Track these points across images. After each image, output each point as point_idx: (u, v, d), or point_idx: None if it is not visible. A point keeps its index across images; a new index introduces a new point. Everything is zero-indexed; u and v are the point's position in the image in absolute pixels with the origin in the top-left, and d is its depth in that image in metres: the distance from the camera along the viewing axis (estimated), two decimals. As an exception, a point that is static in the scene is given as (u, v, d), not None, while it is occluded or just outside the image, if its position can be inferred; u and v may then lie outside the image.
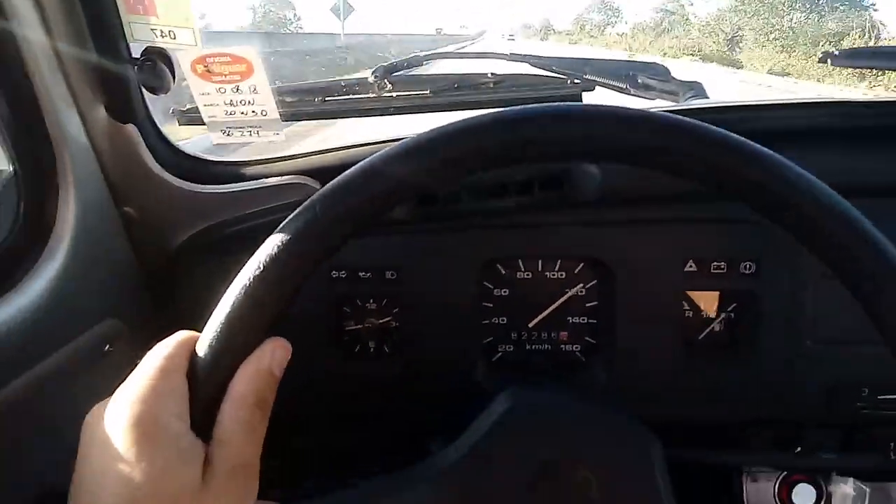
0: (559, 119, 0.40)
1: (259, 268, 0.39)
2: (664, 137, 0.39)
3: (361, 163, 0.41)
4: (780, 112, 0.70)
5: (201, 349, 0.39)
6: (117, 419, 0.36)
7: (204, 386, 0.39)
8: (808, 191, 0.39)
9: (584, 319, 0.76)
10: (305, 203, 0.40)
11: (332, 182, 0.41)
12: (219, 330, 0.39)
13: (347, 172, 0.41)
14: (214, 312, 0.39)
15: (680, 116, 0.39)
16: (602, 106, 0.40)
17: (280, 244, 0.39)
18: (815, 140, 0.69)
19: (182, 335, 0.41)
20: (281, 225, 0.40)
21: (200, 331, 0.40)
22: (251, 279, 0.39)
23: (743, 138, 0.39)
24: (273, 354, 0.40)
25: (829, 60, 0.65)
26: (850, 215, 0.38)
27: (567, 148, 0.41)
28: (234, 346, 0.39)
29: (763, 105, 0.69)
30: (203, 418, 0.38)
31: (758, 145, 0.39)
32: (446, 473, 0.53)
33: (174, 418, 0.36)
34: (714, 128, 0.39)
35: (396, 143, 0.41)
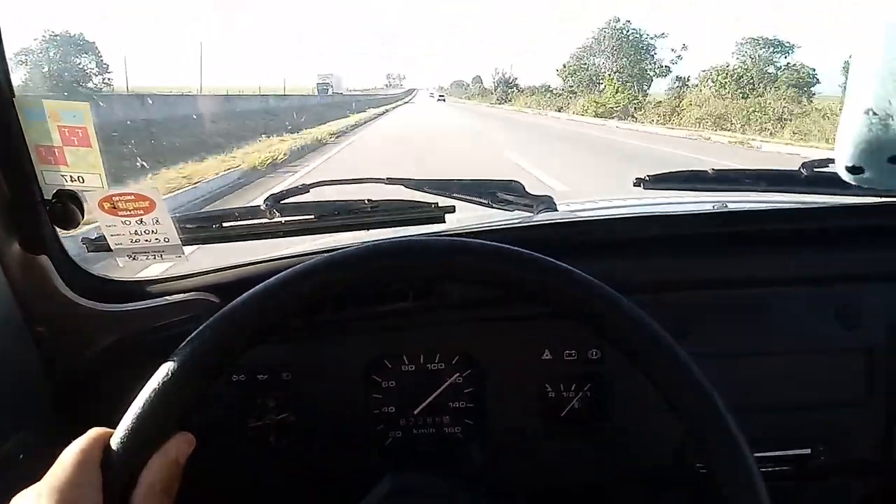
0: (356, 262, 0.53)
1: (167, 374, 0.48)
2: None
3: (245, 294, 0.52)
4: (612, 225, 0.84)
5: (115, 443, 0.47)
6: None
7: (117, 476, 0.46)
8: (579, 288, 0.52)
9: (462, 404, 0.86)
10: (205, 323, 0.50)
11: (224, 309, 0.52)
12: (131, 426, 0.47)
13: (236, 301, 0.52)
14: (128, 412, 0.48)
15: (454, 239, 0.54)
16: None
17: (185, 355, 0.49)
18: (641, 247, 0.83)
19: (96, 431, 0.48)
20: (187, 339, 0.49)
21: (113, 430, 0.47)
22: (160, 383, 0.48)
23: (506, 247, 0.53)
24: (179, 446, 0.49)
25: (641, 185, 0.80)
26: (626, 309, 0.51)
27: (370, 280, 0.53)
28: (145, 440, 0.47)
29: (596, 220, 0.83)
30: None
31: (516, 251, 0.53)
32: None
33: None
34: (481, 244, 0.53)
35: (276, 272, 0.52)
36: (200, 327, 0.50)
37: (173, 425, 0.49)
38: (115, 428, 0.48)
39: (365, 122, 21.94)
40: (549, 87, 46.92)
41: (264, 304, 0.51)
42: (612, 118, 27.03)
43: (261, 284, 0.52)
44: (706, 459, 0.49)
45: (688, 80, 34.29)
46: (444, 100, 71.82)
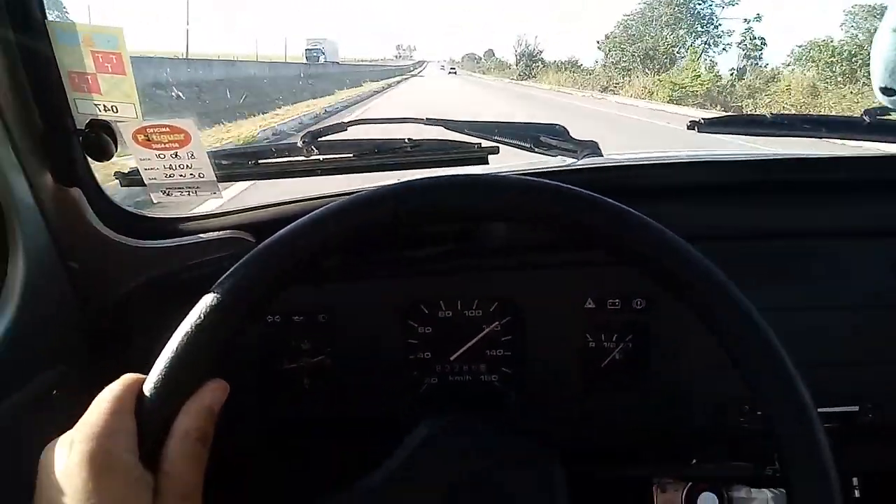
0: (436, 189, 0.49)
1: (199, 317, 0.46)
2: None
3: (285, 228, 0.49)
4: (660, 170, 0.81)
5: (148, 390, 0.45)
6: (73, 455, 0.41)
7: (151, 423, 0.44)
8: (655, 241, 0.49)
9: (500, 352, 0.85)
10: (240, 262, 0.48)
11: (261, 244, 0.49)
12: (163, 373, 0.45)
13: (274, 236, 0.49)
14: (159, 357, 0.46)
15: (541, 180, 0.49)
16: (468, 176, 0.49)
17: (217, 297, 0.46)
18: (691, 193, 0.80)
19: (129, 378, 0.46)
20: (219, 280, 0.47)
21: (145, 375, 0.46)
22: (192, 327, 0.46)
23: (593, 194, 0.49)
24: (213, 394, 0.47)
25: (696, 128, 0.76)
26: (687, 254, 0.48)
27: (454, 213, 0.50)
28: (178, 387, 0.45)
29: (643, 164, 0.80)
30: (151, 452, 0.43)
31: (600, 198, 0.49)
32: (368, 497, 0.60)
33: (125, 453, 0.42)
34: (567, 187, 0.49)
35: (313, 211, 0.49)
36: (232, 268, 0.47)
37: (206, 370, 0.46)
38: (147, 371, 0.46)
39: (357, 102, 16.79)
40: (578, 61, 41.76)
41: (299, 244, 0.49)
42: (690, 105, 20.76)
43: (296, 222, 0.49)
44: (767, 414, 0.47)
45: (759, 58, 28.23)
46: (455, 72, 67.90)
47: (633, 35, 33.92)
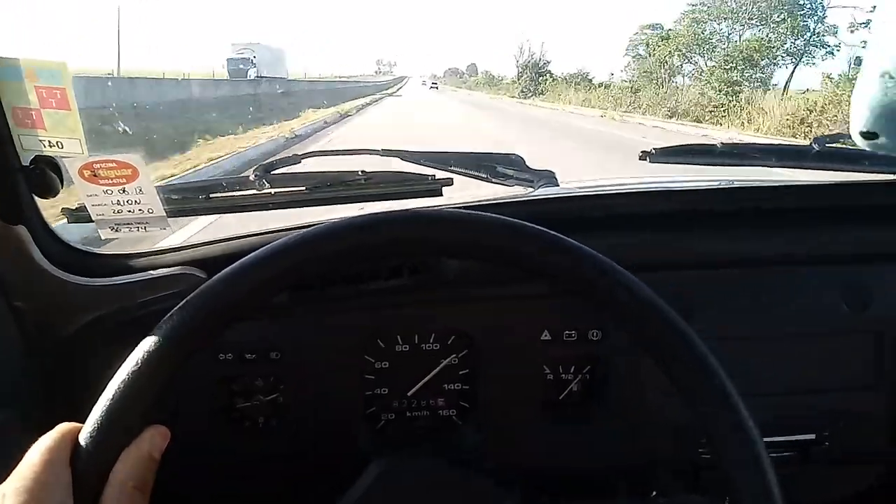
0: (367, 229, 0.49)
1: (136, 363, 0.45)
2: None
3: (226, 270, 0.48)
4: (615, 200, 0.81)
5: (83, 439, 0.44)
6: None
7: (87, 474, 0.43)
8: (586, 264, 0.48)
9: (458, 386, 0.84)
10: (180, 304, 0.47)
11: (202, 285, 0.48)
12: (99, 421, 0.44)
13: (215, 277, 0.48)
14: (96, 405, 0.44)
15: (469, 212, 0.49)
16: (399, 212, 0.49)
17: (154, 342, 0.45)
18: (643, 223, 0.80)
19: (64, 427, 0.45)
20: (158, 323, 0.46)
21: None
22: (128, 374, 0.45)
23: (521, 223, 0.49)
24: (152, 441, 0.45)
25: (647, 158, 0.77)
26: (636, 289, 0.48)
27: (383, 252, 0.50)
28: (115, 435, 0.44)
29: (598, 194, 0.80)
30: None
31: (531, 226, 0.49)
32: None
33: None
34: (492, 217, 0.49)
35: (256, 250, 0.48)
36: (174, 309, 0.46)
37: (145, 417, 0.45)
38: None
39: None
40: (588, 74, 32.85)
41: (246, 281, 0.48)
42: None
43: (245, 258, 0.48)
44: (712, 442, 0.46)
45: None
46: (436, 87, 61.19)
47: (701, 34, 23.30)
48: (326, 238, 0.48)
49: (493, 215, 0.49)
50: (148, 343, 0.45)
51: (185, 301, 0.47)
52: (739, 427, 0.45)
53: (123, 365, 0.45)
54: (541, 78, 38.62)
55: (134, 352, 0.45)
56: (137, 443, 0.45)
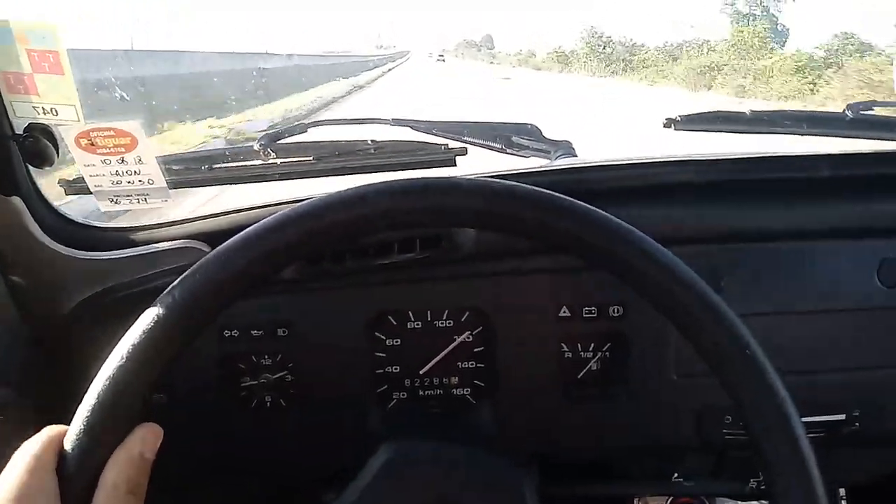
0: (400, 195, 0.46)
1: (122, 358, 0.41)
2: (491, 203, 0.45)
3: (217, 249, 0.45)
4: (637, 170, 0.77)
5: (69, 443, 0.41)
6: None
7: (74, 480, 0.40)
8: (621, 238, 0.45)
9: (472, 364, 0.81)
10: (168, 288, 0.43)
11: (201, 259, 0.45)
12: (85, 423, 0.41)
13: (215, 251, 0.45)
14: (81, 404, 0.41)
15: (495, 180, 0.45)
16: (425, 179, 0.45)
17: (140, 333, 0.42)
18: (669, 194, 0.76)
19: (49, 431, 0.42)
20: (144, 312, 0.43)
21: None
22: (115, 370, 0.41)
23: (555, 194, 0.45)
24: (143, 441, 0.42)
25: (672, 126, 0.72)
26: (662, 258, 0.45)
27: (405, 220, 0.46)
28: (102, 437, 0.41)
29: (619, 164, 0.76)
30: None
31: (566, 199, 0.46)
32: None
33: None
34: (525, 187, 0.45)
35: (263, 219, 0.45)
36: (171, 285, 0.43)
37: (135, 415, 0.42)
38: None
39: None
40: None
41: (249, 254, 0.44)
42: None
43: (247, 230, 0.45)
44: (747, 422, 0.43)
45: None
46: (443, 59, 54.61)
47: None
48: (354, 204, 0.45)
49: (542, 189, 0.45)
50: (135, 333, 0.42)
51: (182, 277, 0.43)
52: (771, 392, 0.42)
53: (108, 359, 0.41)
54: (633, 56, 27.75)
55: (118, 345, 0.42)
56: (128, 443, 0.42)
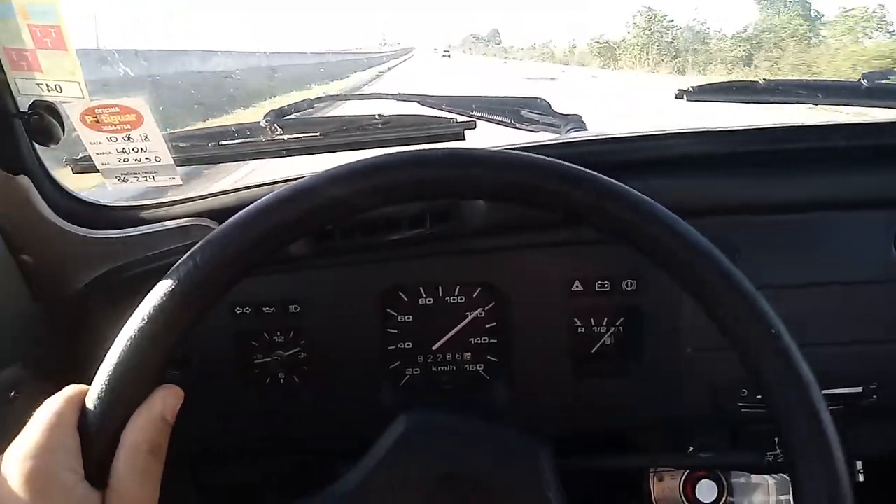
0: (416, 164, 0.45)
1: (143, 319, 0.41)
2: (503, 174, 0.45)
3: (239, 213, 0.44)
4: (649, 142, 0.76)
5: (91, 401, 0.41)
6: (9, 476, 0.37)
7: (95, 438, 0.40)
8: (639, 211, 0.45)
9: (485, 340, 0.80)
10: (188, 253, 0.43)
11: (210, 234, 0.44)
12: (107, 382, 0.41)
13: (224, 225, 0.44)
14: (102, 364, 0.41)
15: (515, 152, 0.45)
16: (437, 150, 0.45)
17: (163, 294, 0.42)
18: (682, 166, 0.75)
19: (71, 389, 0.42)
20: (166, 274, 0.42)
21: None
22: (136, 330, 0.41)
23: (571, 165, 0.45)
24: (164, 402, 0.42)
25: (684, 97, 0.71)
26: (683, 231, 0.44)
27: (416, 192, 0.46)
28: (123, 396, 0.41)
29: (632, 136, 0.75)
30: (97, 469, 0.39)
31: (582, 170, 0.45)
32: (347, 496, 0.56)
33: (66, 471, 0.38)
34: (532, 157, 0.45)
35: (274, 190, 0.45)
36: (181, 259, 0.43)
37: (157, 375, 0.42)
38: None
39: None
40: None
41: (260, 227, 0.44)
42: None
43: (258, 202, 0.45)
44: (770, 400, 0.43)
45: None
46: (448, 55, 54.72)
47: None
48: (379, 169, 0.44)
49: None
50: (155, 296, 0.41)
51: (190, 252, 0.43)
52: (797, 376, 0.42)
53: (128, 322, 0.41)
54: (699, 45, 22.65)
55: (139, 307, 0.42)
56: (149, 403, 0.41)
